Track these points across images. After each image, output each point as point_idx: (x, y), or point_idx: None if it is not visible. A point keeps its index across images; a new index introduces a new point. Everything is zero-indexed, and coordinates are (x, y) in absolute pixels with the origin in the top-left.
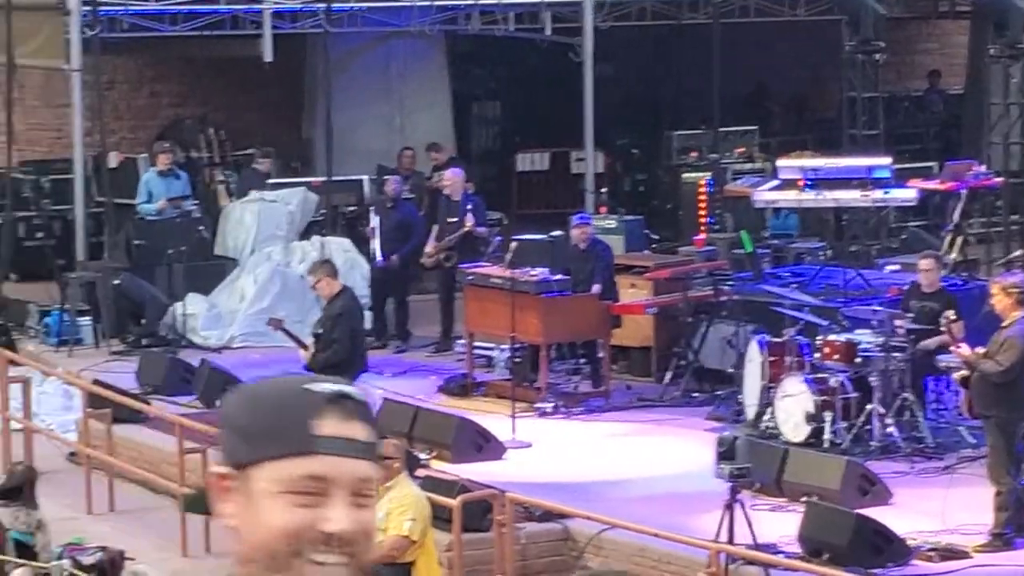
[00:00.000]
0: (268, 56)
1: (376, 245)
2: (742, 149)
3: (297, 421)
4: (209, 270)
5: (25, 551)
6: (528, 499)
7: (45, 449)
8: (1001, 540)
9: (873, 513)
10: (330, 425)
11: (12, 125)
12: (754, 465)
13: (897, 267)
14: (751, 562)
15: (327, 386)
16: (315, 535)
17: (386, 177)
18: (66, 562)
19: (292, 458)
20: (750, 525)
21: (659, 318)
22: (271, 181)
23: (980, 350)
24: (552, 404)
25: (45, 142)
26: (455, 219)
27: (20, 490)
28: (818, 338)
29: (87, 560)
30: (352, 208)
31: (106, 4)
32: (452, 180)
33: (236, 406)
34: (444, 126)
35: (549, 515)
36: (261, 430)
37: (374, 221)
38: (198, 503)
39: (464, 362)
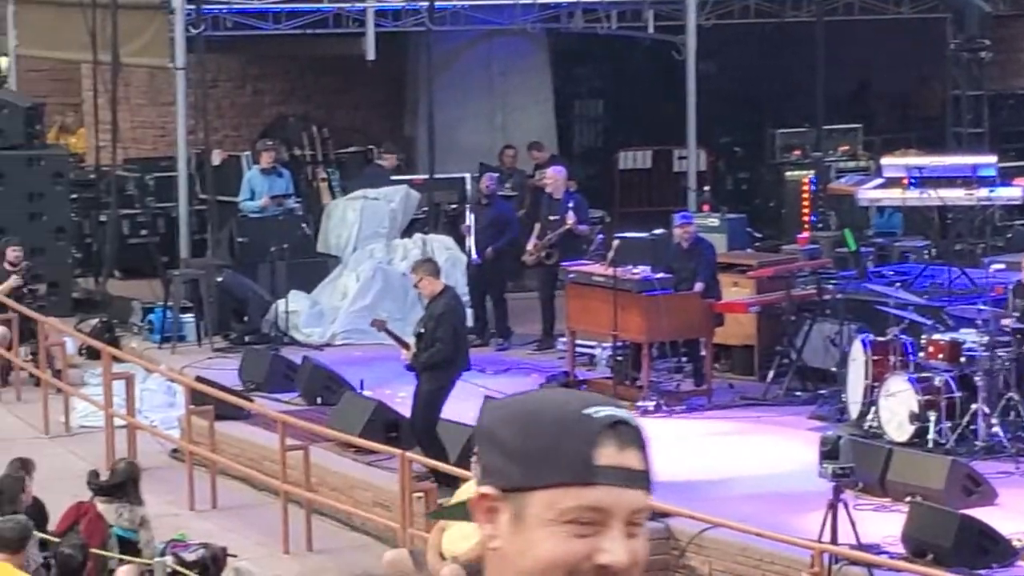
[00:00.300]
0: (371, 54)
1: (471, 243)
2: (846, 147)
3: (577, 449)
4: (311, 267)
5: (128, 547)
6: None
7: (148, 446)
8: None
9: (978, 513)
10: (609, 454)
11: (117, 123)
12: (857, 464)
13: (1002, 266)
14: (854, 562)
15: (605, 411)
16: (589, 566)
17: (482, 175)
18: (169, 558)
19: (571, 487)
20: (853, 525)
21: (762, 316)
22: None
23: None
24: (654, 402)
25: (149, 140)
26: (556, 217)
27: (123, 486)
28: (922, 337)
29: (190, 557)
30: (454, 206)
31: (210, 3)
32: (554, 178)
33: (507, 426)
34: (546, 124)
35: (651, 514)
36: (537, 455)
37: (469, 219)
38: (452, 512)
39: (566, 360)
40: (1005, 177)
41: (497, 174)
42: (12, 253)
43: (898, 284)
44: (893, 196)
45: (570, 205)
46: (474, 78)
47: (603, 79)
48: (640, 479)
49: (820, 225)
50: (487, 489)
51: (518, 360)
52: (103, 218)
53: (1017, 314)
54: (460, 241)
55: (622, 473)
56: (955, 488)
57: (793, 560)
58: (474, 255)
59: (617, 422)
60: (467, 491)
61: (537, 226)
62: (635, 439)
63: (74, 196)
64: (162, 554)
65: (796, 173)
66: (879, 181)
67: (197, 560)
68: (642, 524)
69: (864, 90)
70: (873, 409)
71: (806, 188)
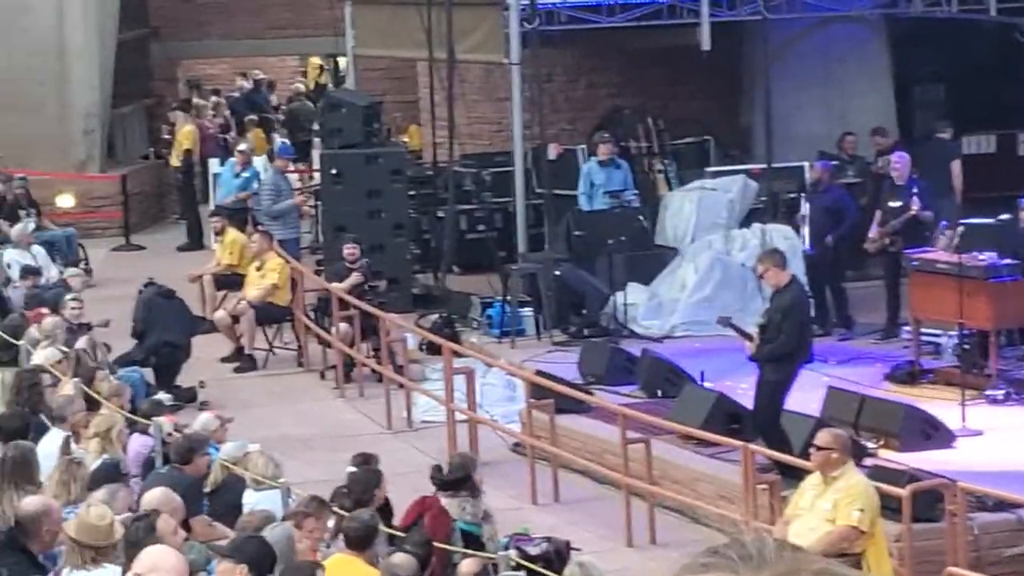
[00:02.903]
0: (706, 44)
1: (805, 232)
2: None
3: None
4: (649, 259)
5: (472, 541)
6: (980, 488)
7: (489, 440)
8: None
9: None
10: None
11: (453, 119)
12: None
13: None
14: None
15: None
16: None
17: (813, 164)
18: (512, 552)
19: None
20: None
21: None
22: (711, 169)
23: None
24: (1003, 391)
25: (485, 135)
26: (899, 203)
27: (466, 480)
28: None
29: (533, 551)
30: (792, 195)
31: None
32: (898, 164)
33: None
34: (885, 110)
35: (1003, 505)
36: None
37: (804, 208)
38: None
39: (910, 349)
40: None
41: (831, 162)
42: (347, 250)
43: None
44: None
45: (914, 191)
46: (811, 66)
47: (943, 63)
48: None
49: None
50: None
51: (862, 350)
52: (441, 214)
53: None
54: (797, 231)
55: None
56: None
57: None
58: (806, 245)
59: None
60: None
61: (879, 213)
62: None
63: (412, 193)
64: (506, 548)
65: None
66: None
67: (541, 554)
68: None
69: None
70: None
71: None
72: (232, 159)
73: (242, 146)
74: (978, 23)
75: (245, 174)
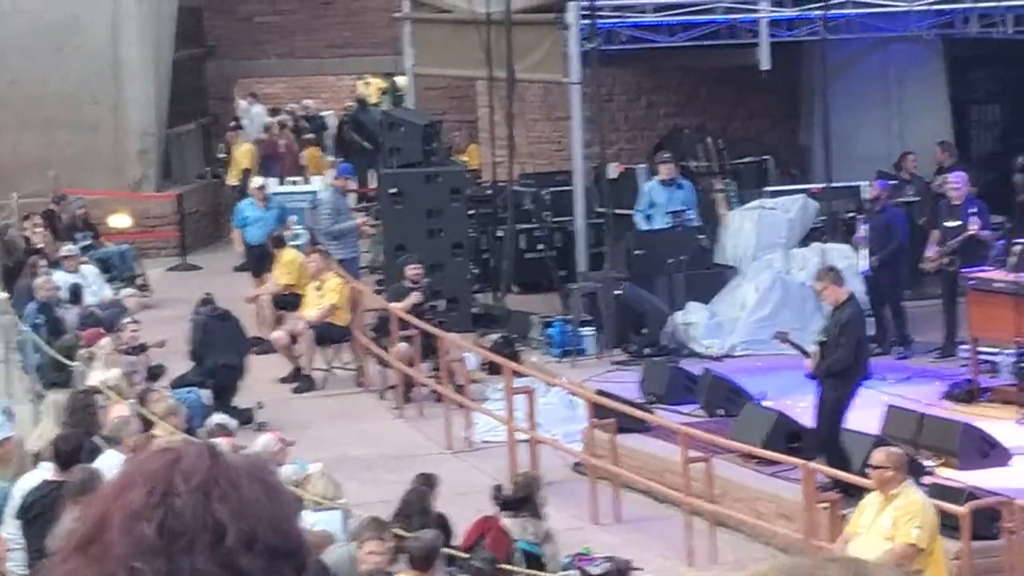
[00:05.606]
0: (765, 64)
1: (864, 252)
2: None
3: None
4: (709, 279)
5: (534, 562)
6: None
7: (550, 460)
8: None
9: None
10: None
11: (513, 139)
12: None
13: None
14: None
15: None
16: None
17: (872, 183)
18: (574, 572)
19: None
20: None
21: None
22: (770, 188)
23: None
24: None
25: (545, 155)
26: (957, 223)
27: (527, 500)
28: None
29: (595, 571)
30: (851, 214)
31: (604, 17)
32: (956, 184)
33: None
34: (943, 130)
35: None
36: None
37: (862, 229)
38: None
39: (968, 367)
40: None
41: (890, 181)
42: (412, 271)
43: None
44: None
45: (972, 211)
46: (869, 86)
47: (1000, 83)
48: None
49: None
50: None
51: (920, 368)
52: (500, 233)
53: None
54: (856, 250)
55: None
56: None
57: None
58: (864, 264)
59: None
60: None
61: (936, 233)
62: None
63: (471, 212)
64: (567, 568)
65: None
66: None
67: (602, 574)
68: None
69: None
70: None
71: None
72: (250, 198)
73: (257, 183)
74: None
75: (272, 208)
